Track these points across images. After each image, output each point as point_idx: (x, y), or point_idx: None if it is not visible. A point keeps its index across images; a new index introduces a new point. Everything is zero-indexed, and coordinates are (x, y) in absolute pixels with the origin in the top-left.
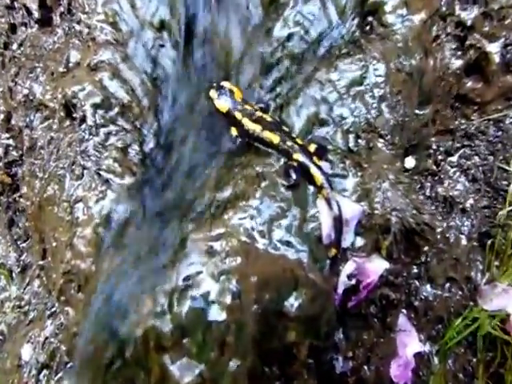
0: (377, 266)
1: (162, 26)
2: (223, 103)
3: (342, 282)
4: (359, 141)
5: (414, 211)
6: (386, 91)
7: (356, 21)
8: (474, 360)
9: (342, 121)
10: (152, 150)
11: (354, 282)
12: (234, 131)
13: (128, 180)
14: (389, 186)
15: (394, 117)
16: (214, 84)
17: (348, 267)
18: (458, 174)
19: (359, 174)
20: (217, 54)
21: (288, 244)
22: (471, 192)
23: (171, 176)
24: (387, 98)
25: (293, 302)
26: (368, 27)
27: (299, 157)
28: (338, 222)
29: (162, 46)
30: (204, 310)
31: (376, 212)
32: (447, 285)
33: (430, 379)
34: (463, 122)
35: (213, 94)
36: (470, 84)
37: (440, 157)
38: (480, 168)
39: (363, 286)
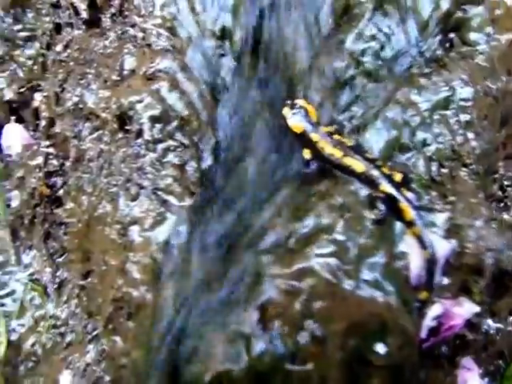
0: (465, 310)
1: (223, 34)
2: (298, 122)
3: (427, 325)
4: (442, 170)
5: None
6: (472, 116)
7: (438, 38)
8: None
9: (424, 147)
10: (210, 167)
11: (435, 324)
12: (307, 154)
13: (187, 201)
14: (483, 223)
15: (480, 144)
16: (288, 101)
17: (435, 310)
18: None
19: (447, 207)
20: (282, 67)
21: (375, 285)
22: None
23: (232, 198)
24: (473, 123)
25: (380, 350)
26: (448, 44)
27: (387, 188)
28: (431, 263)
29: (223, 55)
30: (284, 355)
31: (467, 251)
32: (510, 319)
33: None
34: None
35: (286, 112)
36: None
37: (506, 182)
38: None
39: (445, 328)
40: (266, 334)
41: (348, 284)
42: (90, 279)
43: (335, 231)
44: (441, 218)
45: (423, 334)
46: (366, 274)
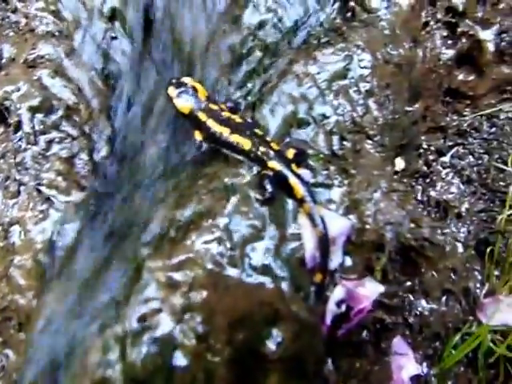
0: (370, 291)
1: (114, 15)
2: (185, 103)
3: (330, 310)
4: (344, 143)
5: (412, 224)
6: (373, 85)
7: (336, 6)
8: (476, 379)
9: (323, 120)
10: (104, 159)
11: (343, 308)
12: (198, 135)
13: (75, 196)
14: (381, 195)
15: (383, 114)
16: (173, 80)
17: (337, 293)
18: (451, 175)
19: (346, 182)
20: (178, 47)
21: (265, 271)
22: (466, 195)
23: (127, 190)
24: (375, 92)
25: (273, 341)
26: (350, 13)
27: (275, 165)
28: (324, 242)
29: (115, 38)
30: (164, 356)
31: (367, 227)
32: (444, 298)
33: None
34: (455, 118)
35: (172, 91)
36: (461, 76)
37: (431, 157)
38: (475, 168)
39: (354, 312)
40: (144, 333)
41: (233, 272)
42: None
43: (219, 215)
44: (338, 194)
45: (328, 320)
46: (254, 260)
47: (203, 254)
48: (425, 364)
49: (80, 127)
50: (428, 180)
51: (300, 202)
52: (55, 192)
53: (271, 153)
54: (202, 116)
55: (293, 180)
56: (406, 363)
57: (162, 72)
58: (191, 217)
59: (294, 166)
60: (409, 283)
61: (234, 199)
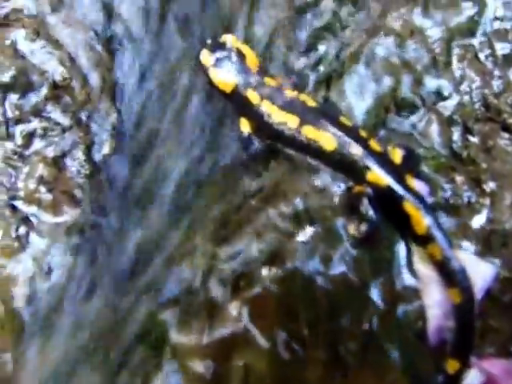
0: None
1: None
2: (226, 75)
3: None
4: (470, 137)
5: None
6: None
7: None
8: None
9: (438, 102)
10: (107, 159)
11: None
12: (245, 126)
13: (65, 216)
14: None
15: None
16: (209, 41)
17: (471, 381)
18: None
19: (483, 201)
20: None
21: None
22: None
23: (140, 207)
24: None
25: None
26: None
27: (379, 176)
28: (467, 310)
29: None
30: None
31: None
32: None
33: None
34: None
35: (206, 58)
36: None
37: None
38: None
39: None
40: None
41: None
42: None
43: (287, 261)
44: (475, 223)
45: None
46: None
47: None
48: None
49: (73, 113)
50: None
51: (423, 240)
52: (36, 209)
53: (371, 156)
54: (253, 96)
55: (411, 202)
56: None
57: (188, 31)
58: (239, 264)
59: (408, 177)
60: None
61: (309, 234)
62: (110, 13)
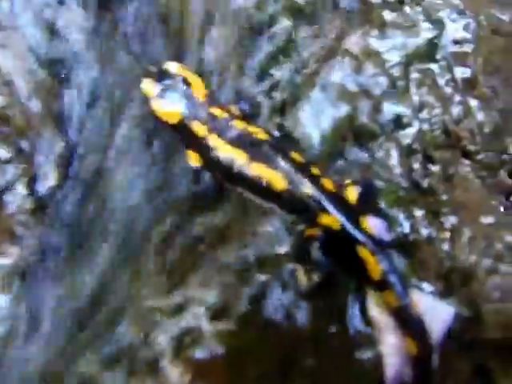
0: None
1: None
2: (171, 106)
3: None
4: (430, 166)
5: None
6: (475, 70)
7: None
8: None
9: (397, 130)
10: (53, 191)
11: None
12: (193, 159)
13: (4, 258)
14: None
15: (491, 117)
16: (152, 68)
17: None
18: None
19: (442, 236)
20: (160, 12)
21: None
22: None
23: (89, 247)
24: (478, 82)
25: None
26: None
27: (332, 218)
28: (425, 360)
29: (61, 1)
30: None
31: (486, 318)
32: None
33: None
34: None
35: (150, 87)
36: None
37: None
38: None
39: None
40: None
41: None
42: None
43: (231, 317)
44: (434, 260)
45: None
46: None
47: None
48: None
49: (13, 143)
50: None
51: (378, 286)
52: None
53: (324, 196)
54: (200, 129)
55: (366, 247)
56: None
57: (136, 54)
58: (184, 319)
59: (363, 218)
60: None
61: (259, 284)
62: (51, 33)
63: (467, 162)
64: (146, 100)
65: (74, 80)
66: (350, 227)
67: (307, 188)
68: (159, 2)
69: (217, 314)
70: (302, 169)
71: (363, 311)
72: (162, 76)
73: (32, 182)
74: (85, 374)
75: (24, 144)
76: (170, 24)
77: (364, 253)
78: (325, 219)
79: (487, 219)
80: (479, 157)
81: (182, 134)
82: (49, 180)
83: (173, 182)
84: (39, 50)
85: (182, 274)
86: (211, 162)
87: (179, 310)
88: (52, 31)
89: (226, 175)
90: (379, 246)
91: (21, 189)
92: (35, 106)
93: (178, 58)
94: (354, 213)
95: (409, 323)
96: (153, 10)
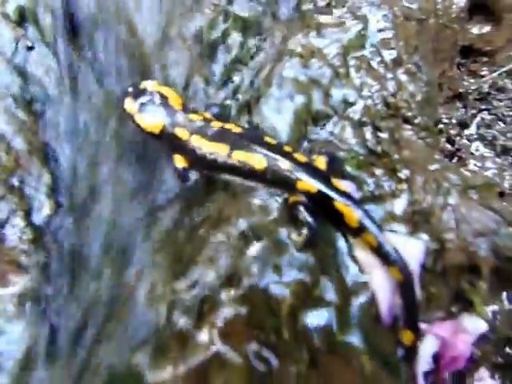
0: (470, 332)
1: (23, 17)
2: (153, 118)
3: (421, 371)
4: (380, 134)
5: (510, 228)
6: (399, 51)
7: None
8: None
9: (347, 108)
10: (50, 218)
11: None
12: (179, 161)
13: (13, 287)
14: (458, 196)
15: (419, 87)
16: (130, 89)
17: (428, 346)
18: (481, 148)
19: (401, 187)
20: (125, 45)
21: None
22: (506, 168)
23: (96, 258)
24: (403, 61)
25: None
26: None
27: (309, 184)
28: (407, 285)
29: (31, 47)
30: None
31: (449, 246)
32: None
33: None
34: (473, 81)
35: (130, 105)
36: (476, 30)
37: (452, 131)
38: (508, 135)
39: (445, 362)
40: None
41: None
42: None
43: (244, 279)
44: (399, 207)
45: (420, 381)
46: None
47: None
48: None
49: (4, 182)
50: (455, 160)
51: (357, 231)
52: None
53: (298, 167)
54: (182, 133)
55: (340, 201)
56: None
57: (107, 81)
58: (199, 291)
59: (334, 179)
60: None
61: (259, 250)
62: (23, 75)
63: (408, 126)
64: (129, 117)
65: (52, 113)
66: (324, 188)
67: (283, 163)
68: (118, 31)
69: (227, 281)
70: (277, 149)
71: (351, 256)
72: (140, 94)
73: (27, 213)
74: (115, 365)
75: (14, 180)
76: (135, 51)
77: (340, 206)
78: (302, 185)
79: (433, 166)
80: (416, 121)
81: (166, 141)
82: (43, 209)
83: (161, 189)
84: (14, 90)
85: (188, 257)
86: (197, 160)
87: (193, 285)
88: (22, 73)
89: (213, 167)
90: (351, 198)
91: (18, 221)
92: (19, 143)
93: (147, 79)
94: (325, 177)
95: (389, 254)
96: (120, 42)
